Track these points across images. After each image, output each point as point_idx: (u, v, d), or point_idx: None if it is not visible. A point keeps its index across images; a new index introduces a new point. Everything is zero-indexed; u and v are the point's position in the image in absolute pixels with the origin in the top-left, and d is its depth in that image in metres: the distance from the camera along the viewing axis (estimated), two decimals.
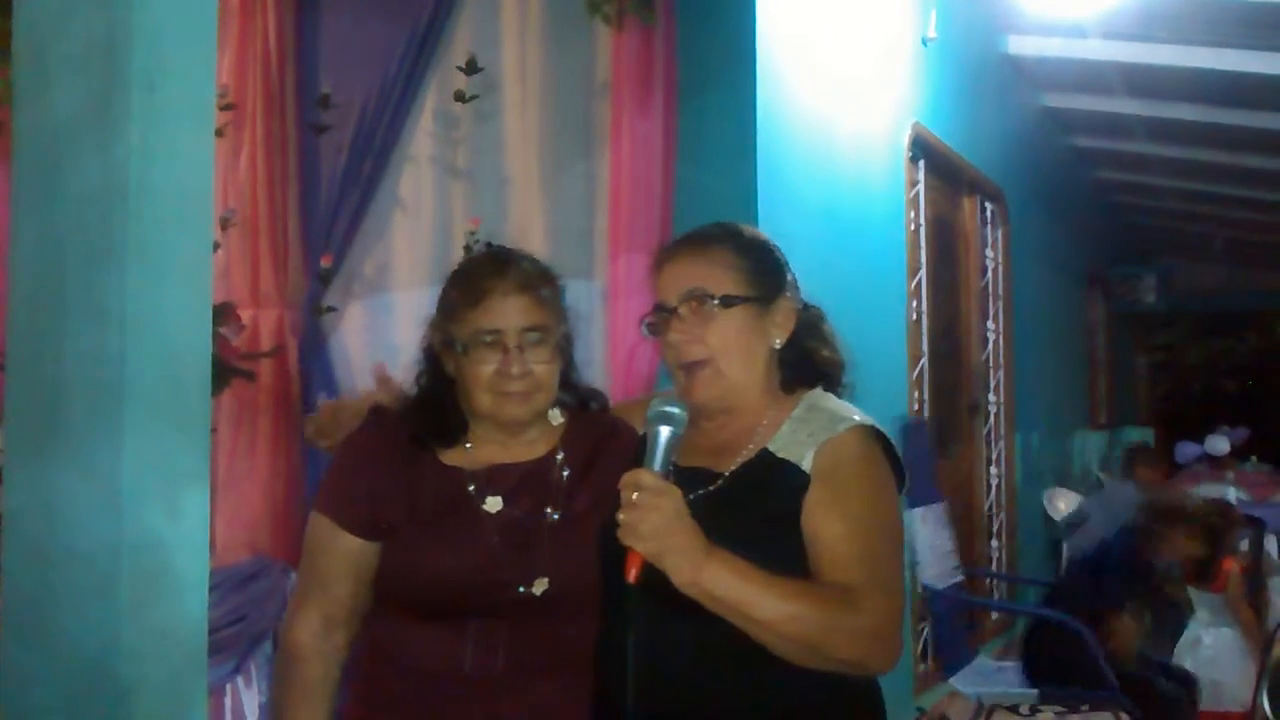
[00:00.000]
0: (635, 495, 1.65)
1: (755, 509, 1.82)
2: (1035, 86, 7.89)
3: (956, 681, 4.60)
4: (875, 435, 1.87)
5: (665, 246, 2.03)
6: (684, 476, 1.74)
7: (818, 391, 1.97)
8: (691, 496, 1.72)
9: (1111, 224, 11.62)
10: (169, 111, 1.94)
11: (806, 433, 1.85)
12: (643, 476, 1.68)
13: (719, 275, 1.91)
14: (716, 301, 1.89)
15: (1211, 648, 4.64)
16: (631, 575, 1.66)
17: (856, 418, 1.87)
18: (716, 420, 1.93)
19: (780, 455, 1.84)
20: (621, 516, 1.66)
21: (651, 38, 3.46)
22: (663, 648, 1.73)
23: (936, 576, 4.74)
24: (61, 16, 1.97)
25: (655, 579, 1.65)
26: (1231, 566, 4.69)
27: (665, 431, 1.71)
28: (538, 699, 1.84)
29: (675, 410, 1.73)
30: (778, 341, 1.96)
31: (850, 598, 1.70)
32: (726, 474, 1.86)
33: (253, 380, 3.60)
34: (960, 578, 4.90)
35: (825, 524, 1.77)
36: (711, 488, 1.85)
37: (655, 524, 1.64)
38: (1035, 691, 4.48)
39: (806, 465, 1.81)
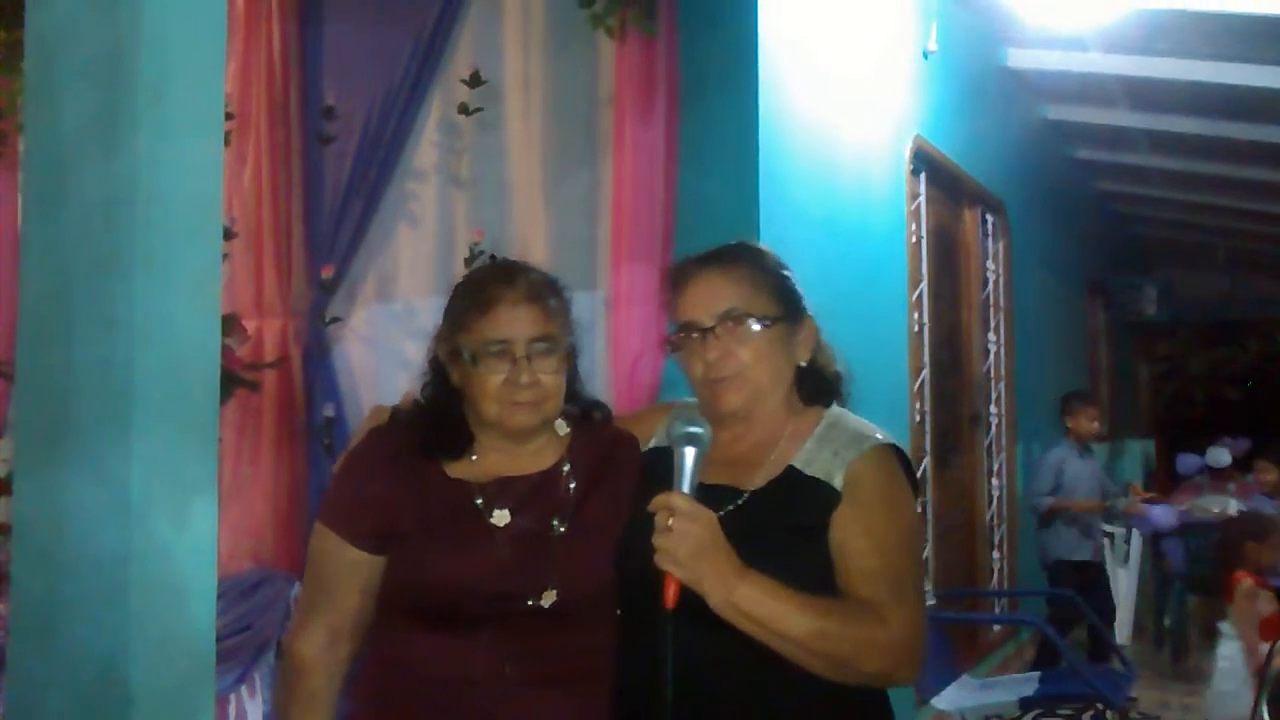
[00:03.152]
0: (670, 520, 1.66)
1: (784, 525, 1.83)
2: (1036, 98, 7.91)
3: (938, 702, 4.62)
4: (897, 453, 1.91)
5: (684, 263, 2.03)
6: (707, 494, 1.74)
7: (836, 409, 2.00)
8: (720, 514, 1.73)
9: (1112, 234, 11.64)
10: (176, 122, 1.96)
11: (832, 450, 1.87)
12: (675, 500, 1.67)
13: (752, 295, 1.93)
14: (757, 322, 1.91)
15: (1226, 658, 4.63)
16: (669, 599, 1.66)
17: (879, 436, 1.91)
18: (733, 432, 1.94)
19: (808, 472, 1.86)
20: (657, 542, 1.66)
21: (653, 48, 3.47)
22: (697, 665, 1.73)
23: None
24: (69, 28, 1.98)
25: (687, 599, 1.67)
26: (1242, 580, 4.66)
27: (691, 453, 1.71)
28: (548, 710, 1.84)
29: (700, 430, 1.73)
30: (803, 360, 2.00)
31: (877, 612, 1.73)
32: (752, 491, 1.88)
33: (257, 390, 3.61)
34: (931, 600, 4.88)
35: (853, 540, 1.80)
36: (739, 503, 1.85)
37: (692, 548, 1.65)
38: (1016, 700, 4.50)
39: (837, 483, 1.83)
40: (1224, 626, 4.72)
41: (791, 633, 1.68)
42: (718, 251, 2.02)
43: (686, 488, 1.70)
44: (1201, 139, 7.72)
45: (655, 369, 3.37)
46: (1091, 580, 6.37)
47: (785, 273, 2.02)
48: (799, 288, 2.02)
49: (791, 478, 1.87)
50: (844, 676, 1.73)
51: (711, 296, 1.94)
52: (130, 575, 1.83)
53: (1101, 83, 7.07)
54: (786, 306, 1.97)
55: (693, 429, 1.73)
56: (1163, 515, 7.23)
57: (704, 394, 1.95)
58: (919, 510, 1.94)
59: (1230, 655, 4.61)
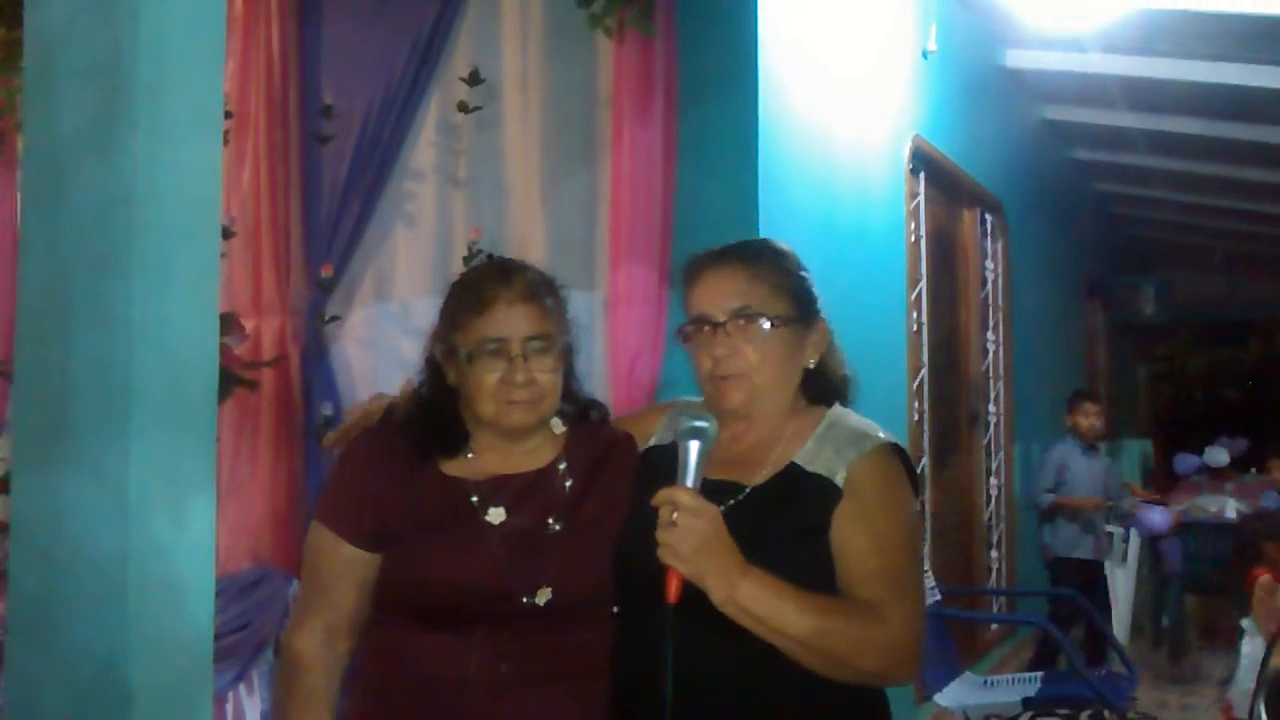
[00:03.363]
0: (674, 515, 1.66)
1: (786, 521, 1.83)
2: (1035, 99, 7.91)
3: (941, 699, 4.62)
4: (898, 453, 1.90)
5: (702, 255, 2.01)
6: (709, 489, 1.74)
7: (838, 408, 1.99)
8: (722, 509, 1.73)
9: (1111, 235, 11.64)
10: (174, 121, 1.96)
11: (834, 449, 1.87)
12: (679, 495, 1.67)
13: (767, 294, 1.92)
14: (768, 322, 1.91)
15: (1248, 656, 4.63)
16: (672, 594, 1.66)
17: (881, 435, 1.91)
18: (734, 429, 1.93)
19: (810, 470, 1.85)
20: (661, 536, 1.66)
21: (652, 49, 3.47)
22: (697, 661, 1.74)
23: None
24: (68, 28, 1.99)
25: (688, 594, 1.67)
26: (1260, 576, 4.65)
27: (696, 447, 1.71)
28: (543, 707, 1.84)
29: (706, 425, 1.73)
30: (812, 362, 1.99)
31: (877, 612, 1.73)
32: (754, 486, 1.88)
33: (255, 389, 3.62)
34: (937, 596, 4.88)
35: (854, 539, 1.79)
36: (741, 498, 1.85)
37: (696, 544, 1.65)
38: (1019, 701, 4.50)
39: (840, 480, 1.83)
40: (1246, 623, 4.71)
41: (792, 630, 1.69)
42: (737, 246, 2.01)
43: (691, 482, 1.70)
44: (1200, 140, 7.72)
45: (654, 369, 3.38)
46: (1091, 579, 6.37)
47: (803, 274, 2.01)
48: (815, 290, 2.01)
49: (793, 474, 1.87)
50: (843, 674, 1.74)
51: (725, 291, 1.93)
52: (129, 574, 1.84)
53: (1100, 83, 7.07)
54: (800, 308, 1.96)
55: (699, 423, 1.72)
56: (1156, 518, 7.23)
57: (708, 389, 1.95)
58: (918, 509, 1.92)
59: (1251, 653, 4.60)
